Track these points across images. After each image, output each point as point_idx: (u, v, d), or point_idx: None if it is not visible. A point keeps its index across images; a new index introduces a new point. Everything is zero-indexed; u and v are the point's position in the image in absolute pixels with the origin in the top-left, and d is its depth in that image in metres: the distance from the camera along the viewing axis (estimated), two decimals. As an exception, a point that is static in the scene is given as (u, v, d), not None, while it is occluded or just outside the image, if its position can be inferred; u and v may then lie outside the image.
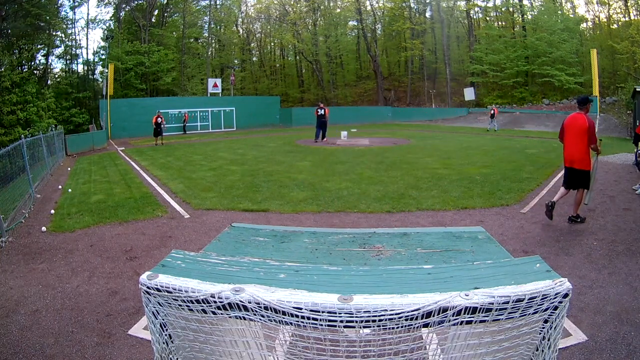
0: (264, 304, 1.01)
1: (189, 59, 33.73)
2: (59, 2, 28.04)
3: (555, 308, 1.04)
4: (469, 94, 28.82)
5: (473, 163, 9.78)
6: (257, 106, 29.96)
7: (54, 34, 28.42)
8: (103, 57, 28.87)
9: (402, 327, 0.97)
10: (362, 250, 1.65)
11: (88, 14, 31.96)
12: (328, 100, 37.61)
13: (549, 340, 1.09)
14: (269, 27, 41.00)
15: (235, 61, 39.06)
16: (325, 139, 16.40)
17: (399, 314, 0.95)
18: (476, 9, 36.57)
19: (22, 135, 7.71)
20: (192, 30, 34.65)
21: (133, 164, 11.70)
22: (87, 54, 31.45)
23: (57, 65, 32.01)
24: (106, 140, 19.66)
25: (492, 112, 23.15)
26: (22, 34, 25.52)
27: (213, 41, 37.78)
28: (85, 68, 31.21)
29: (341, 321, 0.97)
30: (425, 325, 0.99)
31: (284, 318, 1.00)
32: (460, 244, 1.69)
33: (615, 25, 30.64)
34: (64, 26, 29.00)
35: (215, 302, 1.05)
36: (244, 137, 20.53)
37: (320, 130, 16.57)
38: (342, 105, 35.54)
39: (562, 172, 8.61)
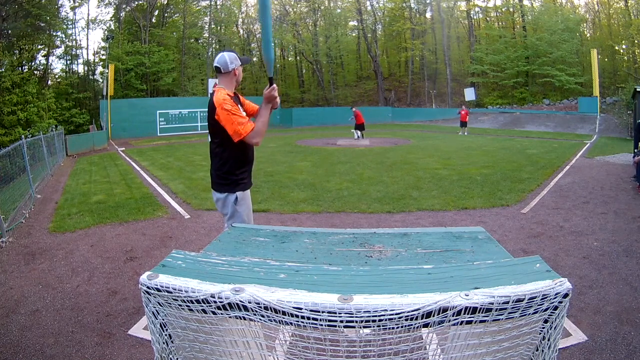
0: (264, 304, 1.01)
1: (189, 60, 33.76)
2: (59, 2, 28.08)
3: (555, 308, 1.04)
4: (470, 94, 28.80)
5: (473, 163, 9.78)
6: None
7: (54, 34, 28.45)
8: (103, 57, 28.90)
9: (402, 327, 0.97)
10: (362, 250, 1.65)
11: (88, 14, 32.08)
12: (328, 100, 37.66)
13: (549, 340, 1.09)
14: (269, 27, 40.96)
15: (236, 61, 39.03)
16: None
17: (399, 314, 0.95)
18: (476, 9, 36.61)
19: (23, 136, 7.71)
20: (192, 30, 34.68)
21: (133, 164, 11.71)
22: (87, 54, 31.55)
23: (58, 66, 32.16)
24: (106, 141, 19.68)
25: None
26: (23, 34, 25.56)
27: (213, 41, 37.80)
28: (86, 68, 31.27)
29: (341, 321, 0.98)
30: (425, 325, 0.99)
31: (284, 318, 1.00)
32: (460, 244, 1.69)
33: (615, 25, 30.67)
34: (64, 26, 29.03)
35: (215, 302, 1.05)
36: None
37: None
38: (343, 106, 35.56)
39: (562, 172, 8.64)
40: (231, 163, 2.59)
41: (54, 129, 14.48)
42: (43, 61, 28.41)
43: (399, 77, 39.69)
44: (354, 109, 18.27)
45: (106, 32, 29.84)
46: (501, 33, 33.54)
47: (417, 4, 37.40)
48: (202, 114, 26.20)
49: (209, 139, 2.64)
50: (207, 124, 2.63)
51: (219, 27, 37.74)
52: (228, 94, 2.53)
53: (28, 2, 24.57)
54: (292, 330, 1.06)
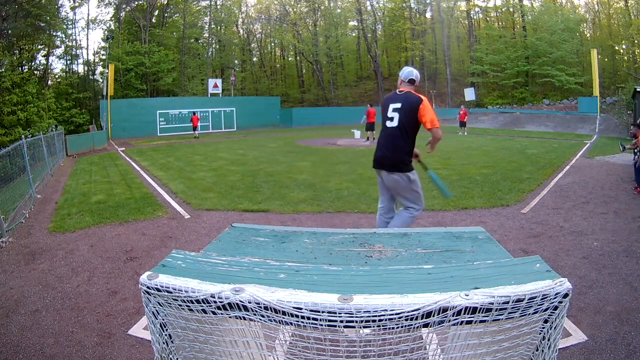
0: (264, 304, 1.01)
1: (189, 60, 33.74)
2: (59, 2, 28.05)
3: (555, 308, 1.04)
4: (470, 94, 28.81)
5: (473, 163, 9.78)
6: (258, 106, 29.99)
7: (54, 34, 28.43)
8: (103, 57, 28.88)
9: (402, 327, 0.97)
10: (362, 250, 1.65)
11: (88, 14, 31.97)
12: (328, 100, 37.64)
13: (549, 340, 1.09)
14: (269, 27, 41.02)
15: (236, 61, 39.08)
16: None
17: (399, 314, 0.95)
18: (476, 9, 36.60)
19: (23, 136, 7.71)
20: (192, 30, 34.66)
21: (133, 164, 11.71)
22: (87, 54, 31.50)
23: (58, 66, 32.06)
24: (106, 141, 19.67)
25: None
26: (23, 34, 25.55)
27: (213, 41, 37.79)
28: (86, 68, 31.24)
29: (341, 321, 0.98)
30: (425, 325, 0.99)
31: (284, 318, 1.01)
32: (460, 244, 1.69)
33: (615, 25, 30.67)
34: (64, 26, 29.00)
35: (215, 302, 1.05)
36: (244, 138, 20.54)
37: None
38: (343, 106, 35.56)
39: (562, 172, 8.63)
40: (412, 148, 3.39)
41: (54, 129, 14.47)
42: (43, 61, 28.40)
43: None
44: (368, 107, 17.02)
45: (106, 32, 29.80)
46: (501, 33, 33.52)
47: (417, 4, 37.38)
48: (202, 114, 26.22)
49: (393, 126, 3.34)
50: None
51: (219, 27, 37.72)
52: None
53: (28, 2, 24.55)
54: (292, 330, 1.06)
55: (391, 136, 3.34)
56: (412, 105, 3.28)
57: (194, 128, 22.00)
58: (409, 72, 3.46)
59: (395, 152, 3.32)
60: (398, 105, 3.32)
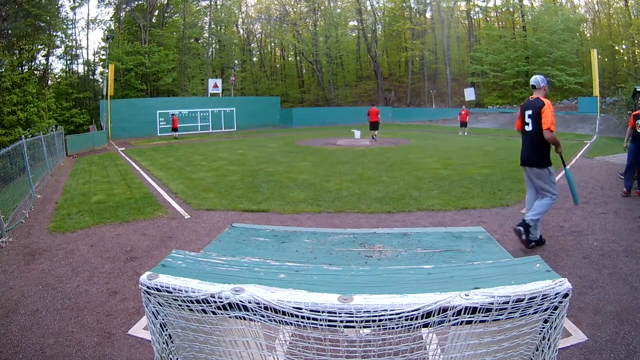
0: (264, 304, 1.01)
1: (189, 60, 33.75)
2: (59, 2, 28.08)
3: (555, 308, 1.04)
4: (470, 94, 28.82)
5: (473, 163, 9.78)
6: (258, 106, 30.01)
7: (54, 34, 28.46)
8: (103, 57, 28.89)
9: (402, 327, 0.97)
10: (362, 250, 1.66)
11: (88, 14, 32.09)
12: (328, 100, 37.64)
13: (549, 340, 1.09)
14: (269, 27, 41.06)
15: (236, 61, 39.10)
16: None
17: (399, 314, 0.95)
18: (476, 9, 36.61)
19: (23, 136, 7.71)
20: (192, 30, 34.68)
21: (133, 164, 11.71)
22: (87, 54, 31.57)
23: (58, 66, 32.18)
24: (106, 141, 19.67)
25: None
26: (23, 34, 25.57)
27: (213, 41, 37.81)
28: (86, 68, 31.28)
29: (341, 321, 0.98)
30: (425, 325, 0.99)
31: (284, 318, 1.00)
32: (460, 244, 1.69)
33: (615, 25, 30.67)
34: (64, 26, 29.04)
35: (215, 302, 1.05)
36: (244, 138, 20.54)
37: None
38: (343, 106, 35.56)
39: (561, 173, 8.61)
40: (548, 146, 4.01)
41: (54, 129, 14.47)
42: (43, 61, 28.44)
43: (399, 77, 39.68)
44: (371, 107, 17.66)
45: (106, 32, 29.83)
46: (501, 33, 33.52)
47: (417, 4, 37.40)
48: (202, 114, 26.22)
49: (529, 130, 4.06)
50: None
51: (219, 27, 37.73)
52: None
53: (28, 2, 24.56)
54: (292, 330, 1.06)
55: (529, 139, 4.06)
56: (537, 110, 3.91)
57: (174, 129, 22.23)
58: (531, 79, 4.19)
59: (534, 151, 4.03)
60: (530, 112, 4.03)
